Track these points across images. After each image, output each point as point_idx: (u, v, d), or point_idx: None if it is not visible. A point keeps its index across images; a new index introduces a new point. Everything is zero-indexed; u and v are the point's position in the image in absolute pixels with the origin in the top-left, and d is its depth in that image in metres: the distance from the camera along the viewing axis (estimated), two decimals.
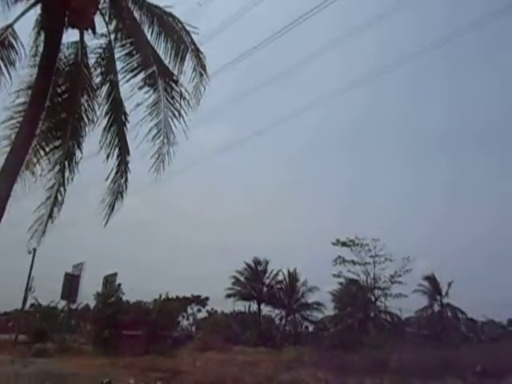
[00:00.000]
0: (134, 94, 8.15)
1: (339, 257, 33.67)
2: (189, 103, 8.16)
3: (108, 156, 8.39)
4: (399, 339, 29.34)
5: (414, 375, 14.93)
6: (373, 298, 33.77)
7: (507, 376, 14.07)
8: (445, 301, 35.32)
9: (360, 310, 33.40)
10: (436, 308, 35.52)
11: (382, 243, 32.65)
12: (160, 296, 34.01)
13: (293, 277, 38.49)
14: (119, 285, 34.70)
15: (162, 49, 8.31)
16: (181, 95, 8.26)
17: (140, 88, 8.18)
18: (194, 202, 71.02)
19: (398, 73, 78.41)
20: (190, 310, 52.22)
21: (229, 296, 39.04)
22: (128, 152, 8.49)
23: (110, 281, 35.57)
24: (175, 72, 8.29)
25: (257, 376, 15.68)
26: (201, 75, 8.41)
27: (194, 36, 8.35)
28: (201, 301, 51.95)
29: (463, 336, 33.36)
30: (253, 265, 39.22)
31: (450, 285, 34.55)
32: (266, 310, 39.71)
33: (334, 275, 34.03)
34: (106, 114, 8.52)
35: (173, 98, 8.31)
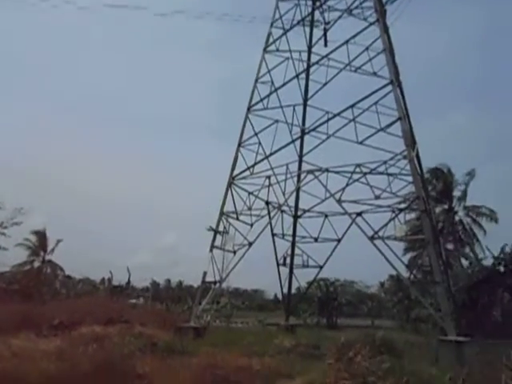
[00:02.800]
0: None
1: None
2: None
3: None
4: None
5: None
6: None
7: (78, 327, 15.81)
8: (49, 257, 35.49)
9: None
10: (36, 264, 35.03)
11: None
12: None
13: None
14: None
15: None
16: None
17: None
18: None
19: None
20: None
21: None
22: None
23: None
24: None
25: None
26: None
27: None
28: None
29: (56, 291, 34.62)
30: None
31: (58, 242, 34.94)
32: None
33: None
34: None
35: None
